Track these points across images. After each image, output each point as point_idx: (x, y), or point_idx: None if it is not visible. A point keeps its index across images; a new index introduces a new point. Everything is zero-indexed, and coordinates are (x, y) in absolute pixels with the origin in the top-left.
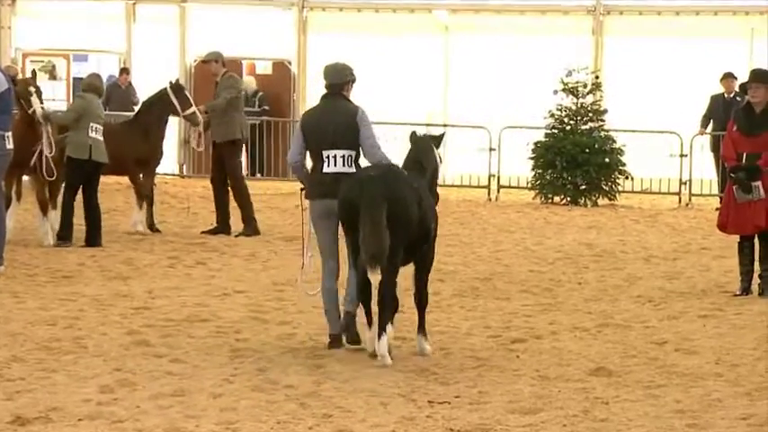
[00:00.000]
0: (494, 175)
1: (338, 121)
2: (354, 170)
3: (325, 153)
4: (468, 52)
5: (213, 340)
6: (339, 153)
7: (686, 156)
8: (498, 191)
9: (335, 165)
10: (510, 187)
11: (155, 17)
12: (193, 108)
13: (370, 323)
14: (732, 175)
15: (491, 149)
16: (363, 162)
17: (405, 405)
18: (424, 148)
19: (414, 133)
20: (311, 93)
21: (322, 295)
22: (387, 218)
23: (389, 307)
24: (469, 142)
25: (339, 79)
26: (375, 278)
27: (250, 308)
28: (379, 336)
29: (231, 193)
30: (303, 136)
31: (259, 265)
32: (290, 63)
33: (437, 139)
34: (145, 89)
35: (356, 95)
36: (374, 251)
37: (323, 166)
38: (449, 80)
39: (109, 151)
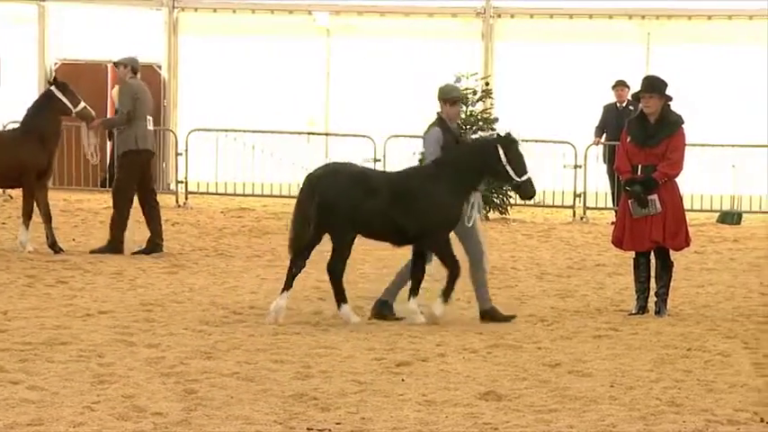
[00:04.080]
0: None
1: None
2: None
3: None
4: (350, 57)
5: (74, 365)
6: None
7: (581, 167)
8: None
9: None
10: None
11: (12, 16)
12: (83, 103)
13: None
14: (627, 188)
15: (376, 160)
16: None
17: None
18: (474, 150)
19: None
20: (183, 98)
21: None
22: (315, 209)
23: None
24: (353, 152)
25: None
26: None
27: (115, 330)
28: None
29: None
30: None
31: (126, 283)
32: (159, 67)
33: (503, 141)
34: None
35: (231, 102)
36: (292, 240)
37: None
38: (330, 86)
39: (3, 162)
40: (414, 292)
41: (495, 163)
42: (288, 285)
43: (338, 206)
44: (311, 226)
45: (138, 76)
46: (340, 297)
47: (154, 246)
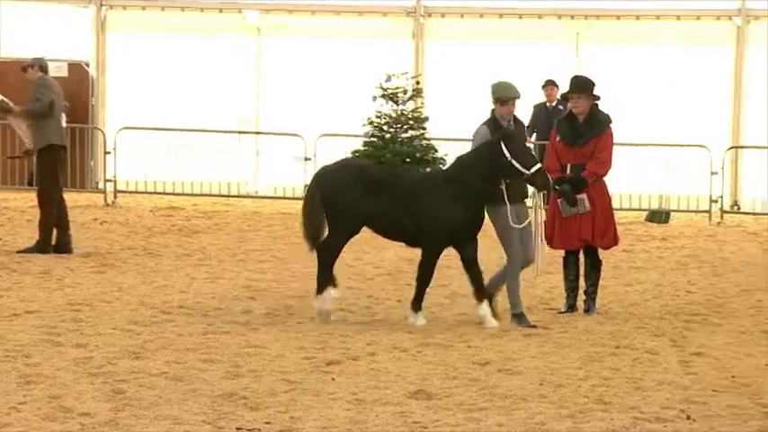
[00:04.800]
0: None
1: None
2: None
3: None
4: (281, 55)
5: (1, 365)
6: None
7: None
8: None
9: None
10: None
11: None
12: (0, 96)
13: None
14: (557, 187)
15: (306, 158)
16: None
17: None
18: (479, 152)
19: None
20: (112, 97)
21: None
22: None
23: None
24: (283, 151)
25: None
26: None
27: (42, 330)
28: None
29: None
30: None
31: (53, 283)
32: (87, 65)
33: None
34: None
35: (160, 100)
36: (305, 234)
37: None
38: (261, 85)
39: None
40: (478, 296)
41: (501, 160)
42: (329, 282)
43: (337, 201)
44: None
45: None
46: (322, 286)
47: (62, 245)
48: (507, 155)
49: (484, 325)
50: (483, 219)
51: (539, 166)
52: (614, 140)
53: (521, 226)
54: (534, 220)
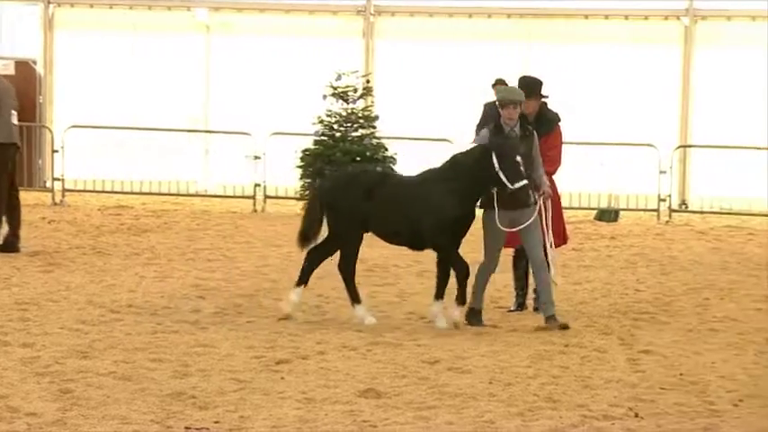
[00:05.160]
0: (259, 185)
1: None
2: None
3: None
4: (230, 53)
5: None
6: None
7: None
8: (264, 201)
9: None
10: (277, 198)
11: None
12: None
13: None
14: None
15: (256, 157)
16: None
17: None
18: (471, 155)
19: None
20: (60, 95)
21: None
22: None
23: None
24: (233, 149)
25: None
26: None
27: None
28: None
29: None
30: None
31: (0, 282)
32: (35, 63)
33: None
34: None
35: (109, 98)
36: (299, 232)
37: None
38: (210, 83)
39: None
40: (437, 294)
41: (490, 169)
42: (302, 280)
43: (338, 206)
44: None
45: None
46: (353, 297)
47: (9, 244)
48: (495, 165)
49: (434, 323)
50: (472, 221)
51: (523, 182)
52: (563, 139)
53: (510, 230)
54: (542, 226)
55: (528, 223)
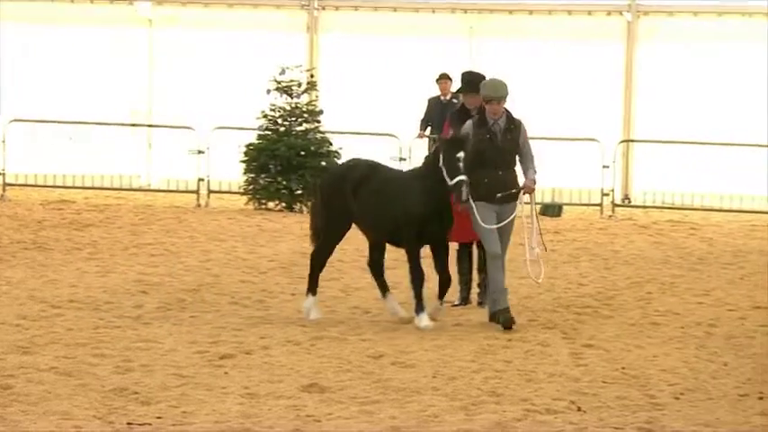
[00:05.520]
0: (203, 180)
1: None
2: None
3: None
4: (174, 47)
5: None
6: None
7: (405, 159)
8: (208, 196)
9: None
10: (221, 192)
11: None
12: None
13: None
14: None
15: (200, 151)
16: None
17: (101, 428)
18: (439, 152)
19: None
20: (1, 88)
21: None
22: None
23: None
24: (176, 144)
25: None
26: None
27: None
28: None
29: None
30: None
31: None
32: None
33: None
34: None
35: (52, 92)
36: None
37: None
38: (153, 77)
39: None
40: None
41: (438, 164)
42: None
43: (329, 200)
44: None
45: None
46: (310, 286)
47: None
48: (440, 161)
49: (420, 322)
50: (449, 221)
51: (459, 178)
52: None
53: (490, 227)
54: (532, 224)
55: (509, 220)
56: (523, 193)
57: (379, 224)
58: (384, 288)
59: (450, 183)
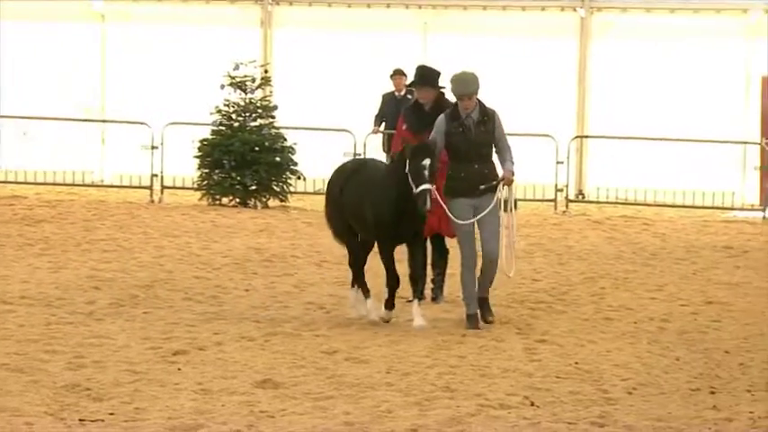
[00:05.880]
0: (156, 175)
1: None
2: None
3: None
4: (127, 43)
5: None
6: None
7: (360, 155)
8: (162, 192)
9: None
10: (175, 188)
11: None
12: None
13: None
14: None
15: (153, 147)
16: None
17: (53, 425)
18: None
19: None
20: None
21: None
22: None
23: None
24: (130, 139)
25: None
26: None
27: None
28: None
29: None
30: None
31: None
32: None
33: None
34: None
35: (3, 87)
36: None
37: None
38: (106, 72)
39: None
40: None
41: (404, 169)
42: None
43: (326, 200)
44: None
45: None
46: (363, 290)
47: None
48: (407, 168)
49: (414, 322)
50: (418, 220)
51: (423, 187)
52: None
53: (464, 222)
54: (509, 222)
55: (487, 212)
56: (502, 185)
57: (357, 223)
58: (366, 291)
59: (416, 191)
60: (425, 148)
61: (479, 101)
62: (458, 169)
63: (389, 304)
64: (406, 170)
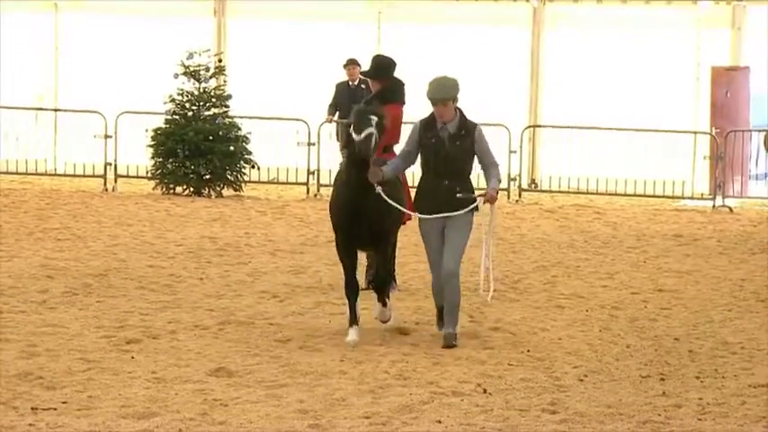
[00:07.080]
0: (110, 164)
1: None
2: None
3: None
4: (80, 32)
5: None
6: None
7: (314, 144)
8: (116, 180)
9: None
10: (128, 177)
11: None
12: None
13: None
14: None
15: (107, 136)
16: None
17: (5, 413)
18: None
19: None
20: None
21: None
22: None
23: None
24: (83, 128)
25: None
26: None
27: None
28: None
29: None
30: None
31: None
32: None
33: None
34: None
35: None
36: None
37: None
38: (59, 61)
39: None
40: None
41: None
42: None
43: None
44: None
45: None
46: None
47: None
48: (345, 141)
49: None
50: (375, 221)
51: (369, 131)
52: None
53: (425, 216)
54: (485, 241)
55: (455, 220)
56: (484, 203)
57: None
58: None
59: (359, 136)
60: (370, 109)
61: (461, 112)
62: (426, 183)
63: (353, 319)
64: (350, 130)
